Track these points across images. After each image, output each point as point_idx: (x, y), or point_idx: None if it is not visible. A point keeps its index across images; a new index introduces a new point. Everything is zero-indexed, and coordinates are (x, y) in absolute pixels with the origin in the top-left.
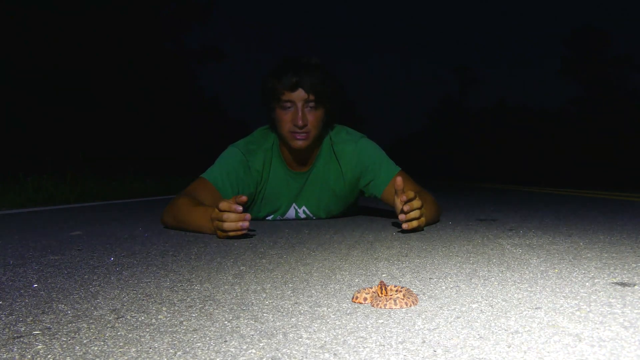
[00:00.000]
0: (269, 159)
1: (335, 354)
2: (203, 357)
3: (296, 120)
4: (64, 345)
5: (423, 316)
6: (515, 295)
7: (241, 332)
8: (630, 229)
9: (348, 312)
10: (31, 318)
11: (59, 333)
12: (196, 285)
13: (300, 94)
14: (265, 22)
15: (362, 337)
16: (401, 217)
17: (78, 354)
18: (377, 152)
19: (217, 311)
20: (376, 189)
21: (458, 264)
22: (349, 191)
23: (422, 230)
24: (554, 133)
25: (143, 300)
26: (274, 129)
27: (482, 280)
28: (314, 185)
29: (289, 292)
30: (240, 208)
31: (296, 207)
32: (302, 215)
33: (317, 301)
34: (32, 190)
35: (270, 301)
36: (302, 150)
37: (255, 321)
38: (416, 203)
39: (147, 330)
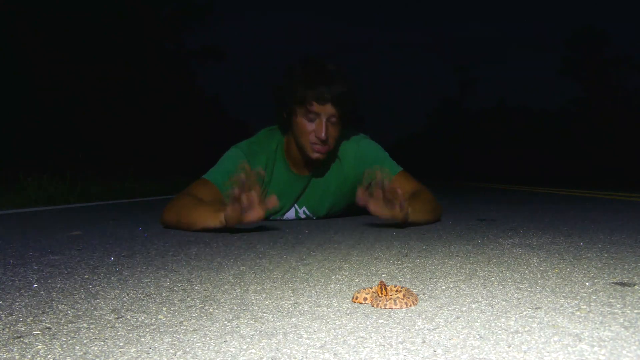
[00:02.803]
0: (272, 161)
1: (335, 354)
2: (203, 357)
3: (319, 133)
4: (64, 345)
5: (423, 316)
6: (515, 295)
7: (241, 332)
8: (630, 229)
9: (348, 312)
10: (31, 318)
11: (59, 333)
12: (196, 285)
13: (328, 109)
14: (266, 21)
15: (362, 337)
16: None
17: (78, 354)
18: (379, 152)
19: (217, 311)
20: None
21: (458, 264)
22: (351, 191)
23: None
24: (554, 133)
25: (143, 300)
26: (288, 133)
27: (482, 280)
28: (316, 186)
29: (289, 292)
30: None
31: (297, 208)
32: (302, 216)
33: (317, 301)
34: (32, 190)
35: (270, 301)
36: (316, 162)
37: (255, 321)
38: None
39: (147, 330)
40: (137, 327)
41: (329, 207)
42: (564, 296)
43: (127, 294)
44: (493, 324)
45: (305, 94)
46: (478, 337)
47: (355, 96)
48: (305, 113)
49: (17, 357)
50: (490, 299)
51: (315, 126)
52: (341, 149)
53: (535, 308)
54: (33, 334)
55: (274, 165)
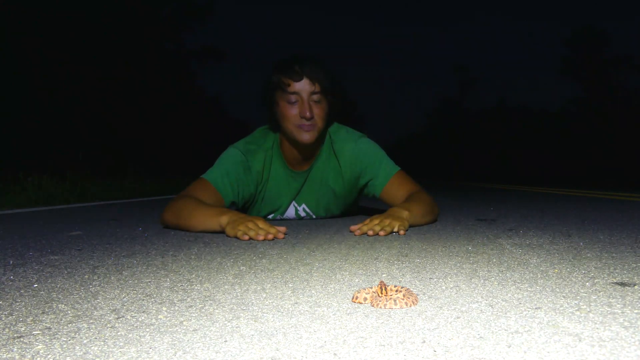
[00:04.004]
0: (269, 159)
1: (335, 354)
2: (203, 357)
3: (304, 112)
4: (64, 345)
5: (423, 316)
6: (515, 295)
7: (241, 332)
8: (630, 229)
9: (348, 312)
10: (31, 318)
11: (59, 333)
12: (196, 285)
13: (305, 85)
14: (265, 20)
15: (362, 337)
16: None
17: (78, 354)
18: (377, 152)
19: (217, 311)
20: (375, 189)
21: (458, 264)
22: (348, 190)
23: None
24: (554, 133)
25: (143, 300)
26: (277, 126)
27: (482, 280)
28: (313, 183)
29: (289, 292)
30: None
31: (296, 205)
32: (302, 214)
33: (317, 301)
34: (32, 190)
35: (270, 301)
36: (307, 146)
37: (255, 321)
38: (374, 222)
39: (147, 330)
40: (137, 327)
41: (327, 204)
42: (564, 296)
43: (127, 294)
44: (493, 324)
45: (280, 76)
46: (478, 337)
47: (332, 72)
48: (286, 96)
49: (17, 357)
50: (490, 299)
51: (298, 107)
52: (338, 146)
53: (535, 308)
54: (33, 334)
55: (271, 163)
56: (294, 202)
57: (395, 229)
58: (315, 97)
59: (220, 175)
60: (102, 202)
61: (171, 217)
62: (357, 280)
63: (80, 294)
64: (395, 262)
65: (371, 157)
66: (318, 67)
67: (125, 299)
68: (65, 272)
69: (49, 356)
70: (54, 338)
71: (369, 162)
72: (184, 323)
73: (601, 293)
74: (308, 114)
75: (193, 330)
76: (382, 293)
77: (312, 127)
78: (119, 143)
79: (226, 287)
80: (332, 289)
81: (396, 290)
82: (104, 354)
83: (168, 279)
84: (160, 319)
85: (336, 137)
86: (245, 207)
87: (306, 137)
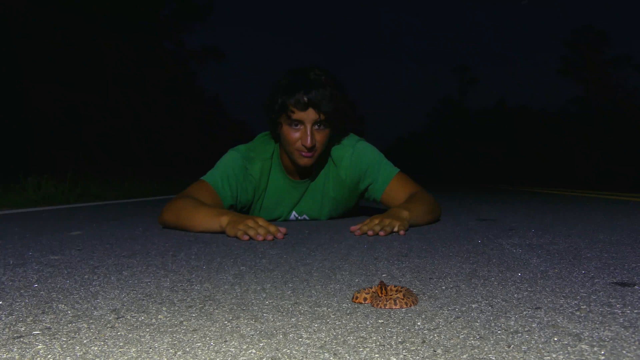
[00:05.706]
0: (267, 168)
1: (335, 354)
2: (203, 357)
3: (305, 141)
4: (64, 345)
5: (423, 316)
6: (515, 295)
7: (241, 332)
8: (630, 229)
9: (348, 312)
10: (31, 318)
11: (59, 333)
12: (196, 285)
13: (310, 114)
14: (265, 20)
15: (362, 337)
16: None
17: (78, 354)
18: (375, 156)
19: (217, 311)
20: (376, 192)
21: (458, 264)
22: (349, 196)
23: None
24: (554, 133)
25: (143, 300)
26: (279, 141)
27: (482, 280)
28: (314, 193)
29: (289, 292)
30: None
31: (297, 215)
32: None
33: (317, 301)
34: (32, 190)
35: (270, 301)
36: (307, 166)
37: (255, 321)
38: (374, 221)
39: (147, 330)
40: (137, 327)
41: (328, 213)
42: (564, 296)
43: (127, 294)
44: (493, 324)
45: (284, 102)
46: (478, 337)
47: (339, 99)
48: (289, 121)
49: (17, 357)
50: (490, 299)
51: (300, 134)
52: (336, 154)
53: (535, 308)
54: (33, 334)
55: (269, 172)
56: (294, 213)
57: (395, 229)
58: (319, 124)
59: (220, 178)
60: (102, 202)
61: (171, 217)
62: (357, 280)
63: (80, 294)
64: (395, 262)
65: (370, 161)
66: (325, 96)
67: (125, 299)
68: (65, 272)
69: (49, 356)
70: (54, 338)
71: (368, 166)
72: (184, 323)
73: (601, 293)
74: (309, 143)
75: (193, 330)
76: (382, 293)
77: (312, 154)
78: (119, 143)
79: (226, 287)
80: (332, 289)
81: (396, 290)
82: (104, 354)
83: (168, 279)
84: (160, 319)
85: (334, 145)
86: (242, 212)
87: (304, 161)
